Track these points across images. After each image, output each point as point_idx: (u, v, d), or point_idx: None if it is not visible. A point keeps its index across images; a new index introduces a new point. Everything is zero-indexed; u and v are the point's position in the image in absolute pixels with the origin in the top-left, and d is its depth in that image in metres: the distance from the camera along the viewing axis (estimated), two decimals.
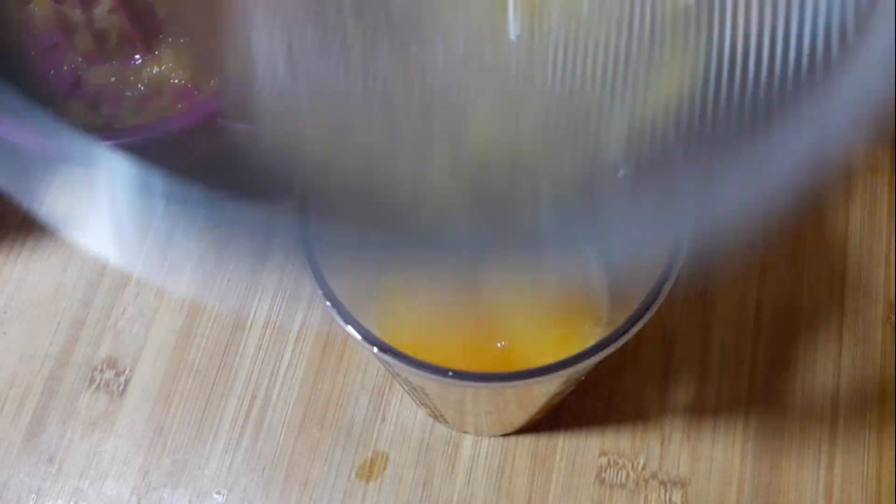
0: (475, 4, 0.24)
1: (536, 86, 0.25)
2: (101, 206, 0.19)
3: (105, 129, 0.38)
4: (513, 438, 0.36)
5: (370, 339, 0.22)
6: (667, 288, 0.23)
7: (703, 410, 0.36)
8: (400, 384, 0.32)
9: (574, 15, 0.26)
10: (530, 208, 0.24)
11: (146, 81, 0.39)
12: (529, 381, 0.23)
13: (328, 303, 0.22)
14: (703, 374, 0.37)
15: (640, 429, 0.36)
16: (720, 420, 0.36)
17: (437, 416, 0.34)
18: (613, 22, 0.25)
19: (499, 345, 0.30)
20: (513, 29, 0.25)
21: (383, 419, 0.36)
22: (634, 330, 0.23)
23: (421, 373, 0.22)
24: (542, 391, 0.27)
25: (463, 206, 0.23)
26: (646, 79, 0.25)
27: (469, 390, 0.25)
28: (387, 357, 0.22)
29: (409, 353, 0.22)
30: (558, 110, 0.25)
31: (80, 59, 0.40)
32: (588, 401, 0.36)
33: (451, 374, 0.22)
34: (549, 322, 0.30)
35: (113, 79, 0.41)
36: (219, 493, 0.35)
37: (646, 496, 0.35)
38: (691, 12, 0.23)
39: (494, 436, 0.35)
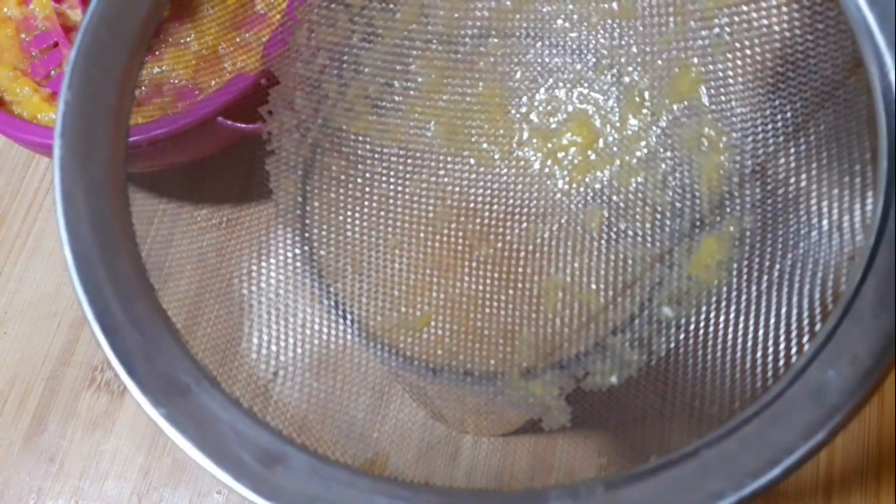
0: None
1: (588, 236, 0.27)
2: None
3: None
4: (512, 438, 0.35)
5: (371, 339, 0.23)
6: None
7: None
8: (400, 384, 0.32)
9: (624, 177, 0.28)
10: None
11: (147, 81, 0.38)
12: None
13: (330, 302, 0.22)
14: None
15: (640, 431, 0.36)
16: None
17: (437, 416, 0.34)
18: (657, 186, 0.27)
19: None
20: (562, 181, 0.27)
21: (383, 419, 0.36)
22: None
23: (421, 373, 0.23)
24: None
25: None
26: (690, 242, 0.26)
27: (469, 390, 0.26)
28: (387, 357, 0.23)
29: None
30: (613, 262, 0.27)
31: None
32: (588, 402, 0.36)
33: (449, 374, 0.22)
34: None
35: None
36: (219, 492, 0.35)
37: None
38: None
39: (494, 436, 0.36)
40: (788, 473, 0.19)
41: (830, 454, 0.35)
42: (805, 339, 0.21)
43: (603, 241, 0.28)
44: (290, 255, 0.27)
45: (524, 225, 0.29)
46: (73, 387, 0.38)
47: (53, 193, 0.21)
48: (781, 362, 0.21)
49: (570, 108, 0.30)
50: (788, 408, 0.19)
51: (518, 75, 0.30)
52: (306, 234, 0.28)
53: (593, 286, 0.28)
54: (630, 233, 0.28)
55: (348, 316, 0.27)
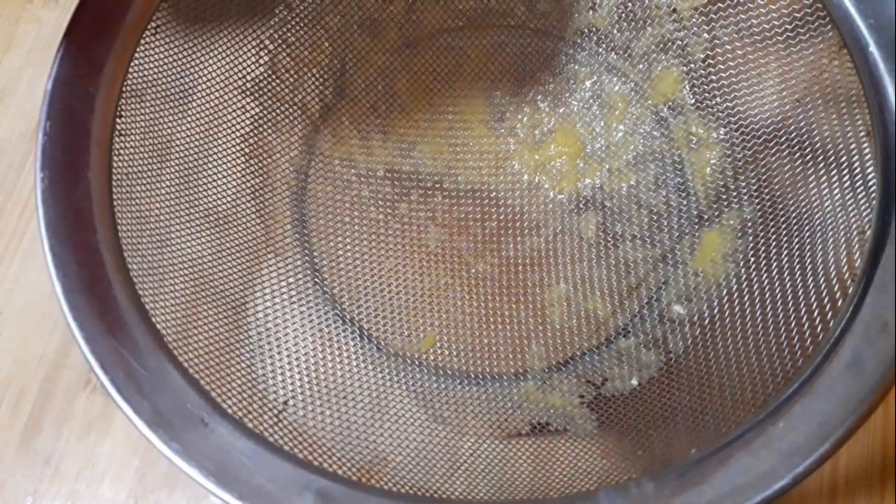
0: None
1: (584, 243, 0.27)
2: None
3: None
4: (514, 441, 0.35)
5: (369, 340, 0.22)
6: None
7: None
8: (400, 385, 0.32)
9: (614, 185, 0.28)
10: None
11: None
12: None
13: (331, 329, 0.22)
14: None
15: (672, 428, 0.35)
16: None
17: (437, 416, 0.34)
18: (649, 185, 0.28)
19: None
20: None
21: (383, 420, 0.35)
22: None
23: (419, 375, 0.22)
24: None
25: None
26: (691, 238, 0.27)
27: (485, 408, 0.25)
28: (385, 360, 0.22)
29: None
30: (614, 266, 0.27)
31: None
32: (613, 406, 0.36)
33: (448, 376, 0.22)
34: None
35: None
36: (216, 496, 0.34)
37: None
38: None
39: (495, 438, 0.35)
40: (838, 446, 0.18)
41: (835, 459, 0.35)
42: (829, 315, 0.21)
43: (601, 247, 0.28)
44: (284, 283, 0.26)
45: (518, 238, 0.29)
46: (69, 389, 0.37)
47: (39, 230, 0.20)
48: (809, 341, 0.21)
49: (553, 120, 0.30)
50: (829, 382, 0.19)
51: (499, 90, 0.30)
52: (300, 262, 0.27)
53: (597, 292, 0.27)
54: (628, 236, 0.28)
55: (351, 341, 0.26)
